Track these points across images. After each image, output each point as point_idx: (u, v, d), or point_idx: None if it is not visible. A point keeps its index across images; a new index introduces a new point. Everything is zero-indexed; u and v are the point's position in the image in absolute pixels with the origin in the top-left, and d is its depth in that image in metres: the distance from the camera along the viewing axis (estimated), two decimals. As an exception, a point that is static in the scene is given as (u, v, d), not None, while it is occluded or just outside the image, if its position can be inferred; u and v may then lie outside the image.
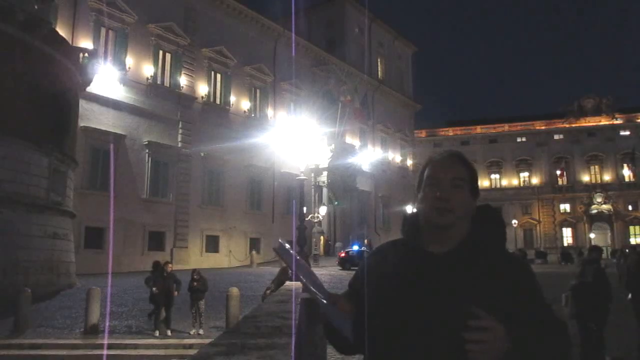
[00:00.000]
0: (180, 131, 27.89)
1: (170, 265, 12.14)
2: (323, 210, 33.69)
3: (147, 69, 26.69)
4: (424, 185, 1.48)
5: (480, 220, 1.48)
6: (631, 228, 53.53)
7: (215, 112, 30.29)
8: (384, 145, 46.36)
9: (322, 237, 35.51)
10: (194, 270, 12.34)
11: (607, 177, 55.21)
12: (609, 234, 53.21)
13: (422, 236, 1.48)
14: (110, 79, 24.32)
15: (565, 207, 55.72)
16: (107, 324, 11.03)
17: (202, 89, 29.71)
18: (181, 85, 28.30)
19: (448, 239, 1.44)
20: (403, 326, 1.35)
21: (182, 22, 28.53)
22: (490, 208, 1.54)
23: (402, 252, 1.49)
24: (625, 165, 53.23)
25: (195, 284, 11.68)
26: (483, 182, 58.54)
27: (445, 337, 1.29)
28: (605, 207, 53.32)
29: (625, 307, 8.19)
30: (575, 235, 54.88)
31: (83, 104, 21.70)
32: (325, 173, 35.90)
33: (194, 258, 27.24)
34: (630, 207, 53.55)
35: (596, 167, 56.06)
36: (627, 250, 23.36)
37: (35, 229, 15.34)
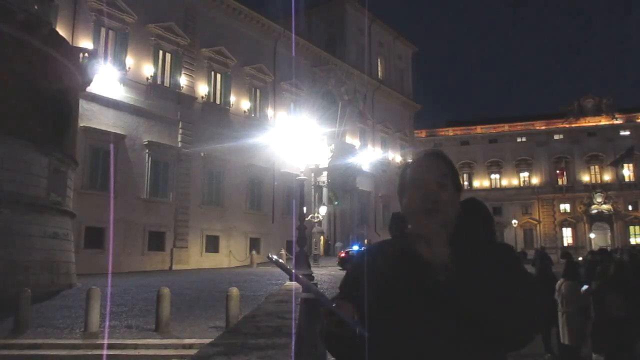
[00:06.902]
0: (180, 131, 27.89)
1: None
2: (323, 210, 33.69)
3: (147, 69, 26.69)
4: (408, 187, 1.45)
5: (467, 215, 1.45)
6: (631, 228, 53.56)
7: (215, 112, 30.29)
8: (384, 145, 46.35)
9: (322, 237, 35.49)
10: None
11: (607, 177, 55.20)
12: (609, 234, 53.19)
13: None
14: (110, 79, 24.32)
15: (565, 207, 55.71)
16: (107, 323, 11.01)
17: (202, 89, 29.70)
18: (181, 85, 28.30)
19: None
20: (407, 329, 1.32)
21: (182, 22, 28.53)
22: (476, 201, 1.51)
23: (393, 253, 1.45)
24: (624, 165, 53.20)
25: None
26: (483, 182, 58.57)
27: (450, 337, 1.28)
28: (605, 207, 53.32)
29: None
30: (575, 235, 54.89)
31: (83, 104, 21.70)
32: (325, 173, 35.89)
33: (194, 258, 27.28)
34: (630, 207, 53.55)
35: (596, 167, 56.04)
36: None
37: (35, 229, 15.33)
